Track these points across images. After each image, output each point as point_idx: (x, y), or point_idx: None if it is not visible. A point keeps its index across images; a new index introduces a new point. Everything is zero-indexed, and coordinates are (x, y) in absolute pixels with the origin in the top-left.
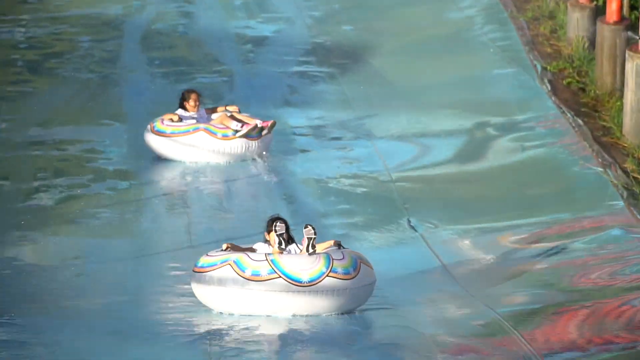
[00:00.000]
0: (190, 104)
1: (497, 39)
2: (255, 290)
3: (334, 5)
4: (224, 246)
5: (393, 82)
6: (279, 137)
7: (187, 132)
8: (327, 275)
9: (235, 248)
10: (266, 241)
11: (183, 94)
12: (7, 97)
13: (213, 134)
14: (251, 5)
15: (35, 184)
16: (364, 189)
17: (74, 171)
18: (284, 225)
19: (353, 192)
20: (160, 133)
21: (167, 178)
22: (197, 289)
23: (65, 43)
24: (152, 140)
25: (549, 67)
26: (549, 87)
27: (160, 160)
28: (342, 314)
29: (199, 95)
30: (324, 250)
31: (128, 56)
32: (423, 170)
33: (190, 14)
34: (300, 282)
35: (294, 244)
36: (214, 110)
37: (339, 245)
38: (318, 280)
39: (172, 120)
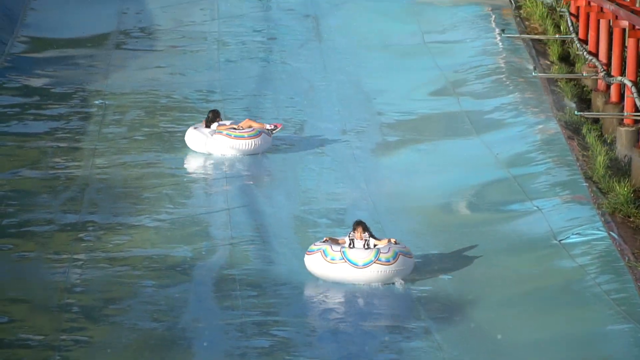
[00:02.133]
0: (219, 118)
1: (611, 291)
2: (339, 270)
3: (432, 251)
4: (324, 239)
5: (495, 339)
6: None
7: (257, 134)
8: (374, 262)
9: (332, 240)
10: (349, 235)
11: (214, 112)
12: (61, 347)
13: (267, 134)
14: None
15: None
16: None
17: None
18: (356, 231)
19: None
20: (239, 137)
21: None
22: (307, 264)
23: (125, 288)
24: (231, 144)
25: None
26: None
27: None
28: (388, 284)
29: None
30: (381, 244)
31: (197, 305)
32: None
33: (271, 260)
34: (357, 265)
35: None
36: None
37: (394, 242)
38: (368, 265)
39: (237, 128)
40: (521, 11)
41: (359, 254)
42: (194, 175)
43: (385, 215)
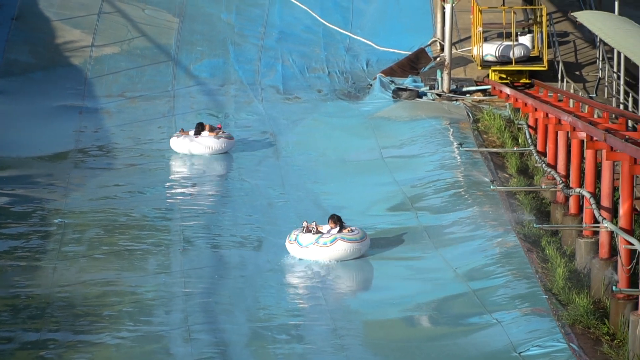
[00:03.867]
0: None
1: None
2: (292, 247)
3: None
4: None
5: None
6: None
7: (232, 136)
8: (313, 244)
9: (316, 227)
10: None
11: (201, 124)
12: None
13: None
14: None
15: None
16: None
17: None
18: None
19: None
20: (230, 138)
21: None
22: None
23: None
24: (218, 142)
25: None
26: None
27: None
28: (329, 262)
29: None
30: (332, 232)
31: None
32: None
33: None
34: (301, 245)
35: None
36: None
37: (349, 230)
38: (309, 246)
39: (223, 132)
40: (479, 124)
41: (305, 237)
42: (153, 292)
43: (346, 329)
